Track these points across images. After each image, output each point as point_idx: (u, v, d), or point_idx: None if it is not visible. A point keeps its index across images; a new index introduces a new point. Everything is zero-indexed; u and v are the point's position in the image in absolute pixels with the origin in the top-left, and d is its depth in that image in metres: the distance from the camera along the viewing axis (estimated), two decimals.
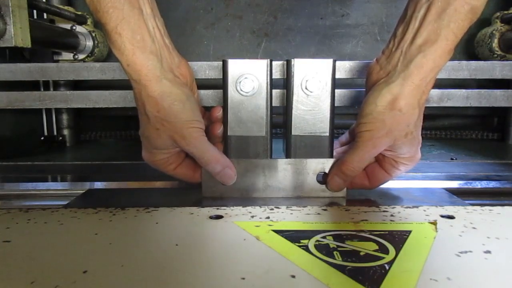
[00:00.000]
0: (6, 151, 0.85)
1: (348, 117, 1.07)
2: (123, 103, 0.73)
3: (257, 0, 1.08)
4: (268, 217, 0.44)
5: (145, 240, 0.39)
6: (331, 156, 0.55)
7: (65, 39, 0.92)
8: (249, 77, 0.53)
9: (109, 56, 1.04)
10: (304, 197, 0.55)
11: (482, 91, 0.69)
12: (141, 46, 0.47)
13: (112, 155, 0.92)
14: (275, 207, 0.47)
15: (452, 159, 0.83)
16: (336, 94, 0.56)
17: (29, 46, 0.70)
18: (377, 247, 0.37)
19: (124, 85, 0.70)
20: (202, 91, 0.63)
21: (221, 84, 0.55)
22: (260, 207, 0.48)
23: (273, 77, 0.55)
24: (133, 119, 1.22)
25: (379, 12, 1.07)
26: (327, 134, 0.54)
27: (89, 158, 0.86)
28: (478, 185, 0.64)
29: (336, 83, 0.54)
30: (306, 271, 0.32)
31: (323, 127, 0.54)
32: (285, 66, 0.55)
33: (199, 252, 0.36)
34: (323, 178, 0.55)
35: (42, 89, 0.99)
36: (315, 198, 0.55)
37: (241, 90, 0.53)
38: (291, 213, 0.46)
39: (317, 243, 0.38)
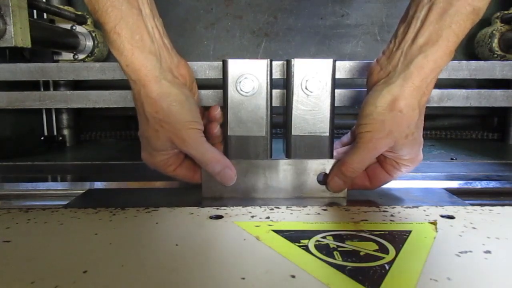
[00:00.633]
0: (6, 151, 0.85)
1: (348, 117, 1.07)
2: (123, 103, 0.73)
3: (257, 0, 1.08)
4: (268, 217, 0.44)
5: (145, 240, 0.39)
6: (331, 157, 0.55)
7: (65, 39, 0.92)
8: (249, 77, 0.53)
9: (109, 56, 1.04)
10: (305, 197, 0.55)
11: (482, 91, 0.69)
12: (140, 46, 0.46)
13: (112, 155, 0.92)
14: (275, 207, 0.47)
15: (452, 159, 0.83)
16: (336, 94, 0.56)
17: (29, 46, 0.70)
18: (377, 247, 0.37)
19: (124, 85, 0.69)
20: (202, 91, 0.63)
21: (221, 84, 0.55)
22: (260, 207, 0.48)
23: (273, 77, 0.55)
24: (133, 119, 1.22)
25: (379, 12, 1.07)
26: (327, 134, 0.54)
27: (89, 158, 0.86)
28: (478, 185, 0.64)
29: (336, 83, 0.54)
30: (306, 271, 0.32)
31: (323, 127, 0.54)
32: (285, 66, 0.55)
33: (199, 252, 0.36)
34: (324, 179, 0.55)
35: (42, 89, 0.99)
36: (316, 199, 0.55)
37: (241, 90, 0.53)
38: (291, 213, 0.46)
39: (317, 243, 0.38)
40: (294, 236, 0.39)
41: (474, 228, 0.41)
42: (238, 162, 0.55)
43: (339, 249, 0.36)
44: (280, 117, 0.59)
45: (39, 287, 0.30)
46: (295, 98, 0.54)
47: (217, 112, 0.55)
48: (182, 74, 0.52)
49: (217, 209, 0.47)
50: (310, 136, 0.54)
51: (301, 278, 0.31)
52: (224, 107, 0.55)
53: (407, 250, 0.36)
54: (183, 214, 0.45)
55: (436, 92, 0.69)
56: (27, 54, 0.90)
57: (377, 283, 0.31)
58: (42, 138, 1.01)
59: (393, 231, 0.41)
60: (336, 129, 0.57)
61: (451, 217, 0.44)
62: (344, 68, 0.65)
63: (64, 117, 1.05)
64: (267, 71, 0.53)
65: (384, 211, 0.46)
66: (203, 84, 0.62)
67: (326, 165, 0.55)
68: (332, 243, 0.38)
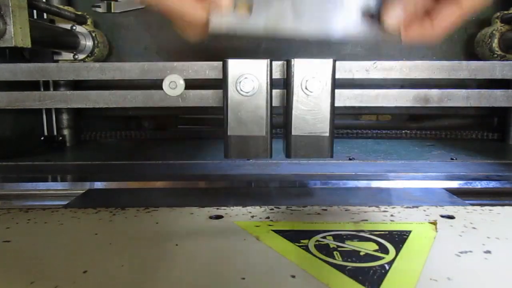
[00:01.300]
0: (6, 151, 0.85)
1: (348, 117, 1.07)
2: (123, 103, 0.73)
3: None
4: (268, 217, 0.44)
5: (145, 240, 0.39)
6: (331, 156, 0.55)
7: (65, 39, 0.92)
8: (249, 77, 0.53)
9: (109, 56, 1.04)
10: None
11: (482, 91, 0.69)
12: None
13: (112, 155, 0.92)
14: (275, 207, 0.47)
15: (452, 159, 0.83)
16: (336, 94, 0.56)
17: (29, 46, 0.70)
18: (377, 247, 0.37)
19: (124, 85, 0.70)
20: (202, 91, 0.63)
21: (221, 84, 0.55)
22: (260, 207, 0.48)
23: (273, 77, 0.55)
24: (133, 119, 1.22)
25: None
26: (327, 134, 0.54)
27: (89, 158, 0.86)
28: (478, 185, 0.64)
29: (336, 83, 0.54)
30: (306, 271, 0.32)
31: (323, 127, 0.54)
32: (285, 66, 0.55)
33: (199, 252, 0.36)
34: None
35: (42, 89, 0.99)
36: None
37: (241, 90, 0.53)
38: (291, 213, 0.46)
39: (317, 243, 0.38)
40: (294, 236, 0.39)
41: (474, 228, 0.41)
42: None
43: (339, 249, 0.36)
44: (280, 117, 0.59)
45: (39, 287, 0.30)
46: (295, 98, 0.54)
47: None
48: None
49: (217, 209, 0.47)
50: (310, 136, 0.54)
51: (301, 278, 0.31)
52: (224, 107, 0.55)
53: (407, 250, 0.36)
54: (183, 214, 0.45)
55: (436, 92, 0.69)
56: (27, 54, 0.90)
57: (377, 283, 0.31)
58: (42, 138, 1.00)
59: (393, 231, 0.41)
60: (336, 129, 0.57)
61: (451, 217, 0.44)
62: (344, 68, 0.64)
63: (64, 117, 1.05)
64: (267, 71, 0.53)
65: (384, 211, 0.46)
66: (203, 84, 0.62)
67: None
68: (332, 243, 0.38)
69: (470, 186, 0.64)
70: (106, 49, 1.01)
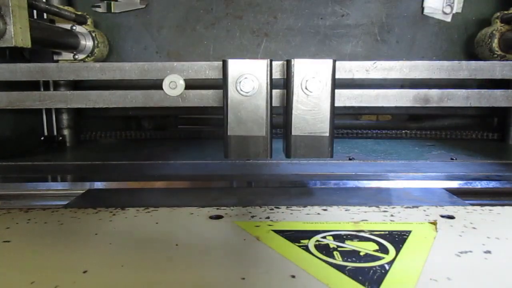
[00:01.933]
0: (6, 151, 0.85)
1: (348, 117, 1.07)
2: (123, 103, 0.73)
3: (257, 0, 1.08)
4: (268, 217, 0.44)
5: (145, 240, 0.39)
6: (331, 156, 0.55)
7: (65, 39, 0.92)
8: (249, 77, 0.53)
9: (109, 56, 1.04)
10: None
11: (482, 91, 0.69)
12: None
13: (112, 155, 0.92)
14: (275, 207, 0.47)
15: (452, 159, 0.83)
16: (336, 94, 0.56)
17: (29, 46, 0.70)
18: (377, 247, 0.37)
19: (124, 85, 0.70)
20: (202, 91, 0.63)
21: (221, 84, 0.55)
22: (260, 207, 0.48)
23: (273, 77, 0.55)
24: (133, 119, 1.22)
25: (379, 12, 1.07)
26: (327, 134, 0.54)
27: (89, 158, 0.86)
28: (478, 185, 0.64)
29: (336, 83, 0.54)
30: (306, 271, 0.32)
31: (323, 127, 0.54)
32: (285, 66, 0.55)
33: (199, 252, 0.36)
34: None
35: (42, 89, 0.99)
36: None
37: (241, 90, 0.53)
38: (291, 213, 0.46)
39: (317, 243, 0.38)
40: (294, 236, 0.39)
41: (474, 228, 0.41)
42: None
43: (339, 249, 0.36)
44: (280, 117, 0.59)
45: (39, 287, 0.30)
46: (295, 98, 0.54)
47: None
48: None
49: (217, 209, 0.47)
50: (310, 136, 0.54)
51: (301, 278, 0.31)
52: (224, 107, 0.55)
53: (407, 250, 0.36)
54: (183, 214, 0.45)
55: (436, 92, 0.69)
56: (27, 54, 0.90)
57: (377, 283, 0.31)
58: (42, 138, 1.00)
59: (393, 231, 0.41)
60: (336, 129, 0.57)
61: (451, 217, 0.44)
62: (344, 68, 0.65)
63: (64, 117, 1.05)
64: (267, 71, 0.53)
65: (384, 211, 0.46)
66: (203, 84, 0.62)
67: None
68: (332, 243, 0.38)
69: (470, 186, 0.64)
70: (106, 49, 1.01)
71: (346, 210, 0.47)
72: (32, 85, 0.93)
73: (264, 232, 0.40)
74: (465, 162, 0.80)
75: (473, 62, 0.67)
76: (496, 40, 0.95)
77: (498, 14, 0.97)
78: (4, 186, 0.65)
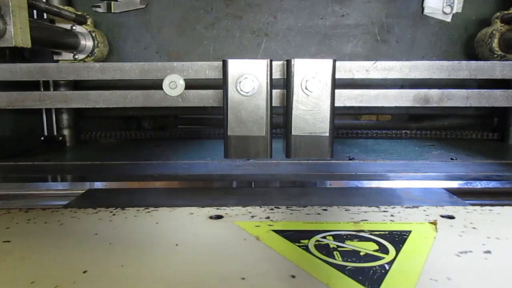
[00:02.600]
0: (6, 151, 0.85)
1: (348, 117, 1.07)
2: (123, 103, 0.73)
3: (257, 0, 1.08)
4: (268, 217, 0.44)
5: (145, 240, 0.39)
6: (331, 156, 0.55)
7: (65, 39, 0.92)
8: (249, 77, 0.53)
9: (109, 56, 1.04)
10: None
11: (482, 91, 0.69)
12: None
13: (112, 155, 0.92)
14: (275, 207, 0.47)
15: (452, 159, 0.83)
16: (336, 94, 0.56)
17: (29, 46, 0.70)
18: (377, 247, 0.37)
19: (124, 85, 0.70)
20: (202, 91, 0.63)
21: (221, 84, 0.55)
22: (260, 207, 0.48)
23: (273, 77, 0.55)
24: (133, 119, 1.22)
25: (379, 12, 1.07)
26: (327, 134, 0.54)
27: (89, 158, 0.86)
28: (478, 185, 0.64)
29: (336, 83, 0.54)
30: (306, 271, 0.32)
31: (323, 127, 0.54)
32: (285, 66, 0.55)
33: (199, 252, 0.36)
34: None
35: (42, 89, 0.99)
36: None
37: (241, 90, 0.53)
38: (291, 213, 0.46)
39: (317, 243, 0.38)
40: (294, 236, 0.39)
41: (474, 228, 0.41)
42: None
43: (339, 249, 0.36)
44: (280, 117, 0.59)
45: (39, 287, 0.30)
46: (295, 98, 0.54)
47: None
48: None
49: (217, 209, 0.47)
50: (310, 136, 0.54)
51: (301, 278, 0.31)
52: (224, 107, 0.55)
53: (407, 250, 0.36)
54: (183, 214, 0.45)
55: (436, 92, 0.69)
56: (27, 54, 0.90)
57: (377, 283, 0.31)
58: (42, 138, 1.00)
59: (393, 231, 0.41)
60: (336, 129, 0.57)
61: (451, 217, 0.44)
62: (344, 68, 0.65)
63: (64, 117, 1.05)
64: (267, 71, 0.53)
65: (384, 211, 0.46)
66: (203, 84, 0.62)
67: None
68: (332, 243, 0.38)
69: (470, 186, 0.64)
70: (106, 49, 1.01)
71: (346, 210, 0.47)
72: (32, 85, 0.93)
73: (264, 232, 0.40)
74: (465, 162, 0.80)
75: (473, 62, 0.67)
76: (496, 40, 0.95)
77: (498, 14, 0.97)
78: (4, 186, 0.65)
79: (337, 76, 0.54)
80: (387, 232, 0.40)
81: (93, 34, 0.97)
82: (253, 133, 0.55)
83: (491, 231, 0.41)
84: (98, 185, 0.64)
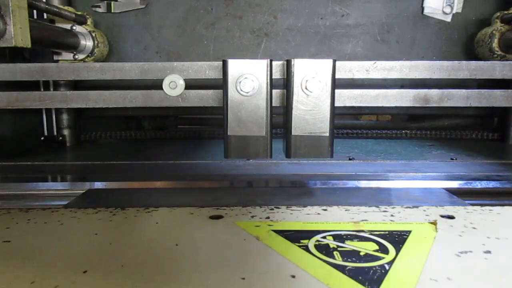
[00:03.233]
0: (6, 151, 0.85)
1: (348, 117, 1.07)
2: (123, 103, 0.73)
3: (257, 0, 1.08)
4: (268, 217, 0.44)
5: (145, 240, 0.39)
6: (331, 156, 0.55)
7: (65, 39, 0.92)
8: (249, 77, 0.53)
9: (109, 56, 1.04)
10: None
11: (482, 91, 0.69)
12: None
13: (112, 155, 0.92)
14: (275, 207, 0.47)
15: (452, 159, 0.83)
16: (336, 94, 0.56)
17: (29, 46, 0.70)
18: (377, 247, 0.37)
19: (124, 85, 0.70)
20: (202, 91, 0.63)
21: (221, 84, 0.55)
22: (260, 207, 0.48)
23: (273, 77, 0.55)
24: (133, 119, 1.22)
25: (379, 12, 1.07)
26: (327, 134, 0.54)
27: (89, 158, 0.86)
28: (478, 185, 0.64)
29: (336, 83, 0.54)
30: (306, 271, 0.32)
31: (323, 127, 0.54)
32: (285, 66, 0.55)
33: (199, 252, 0.36)
34: None
35: (42, 89, 0.99)
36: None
37: (241, 90, 0.53)
38: (291, 213, 0.46)
39: (317, 243, 0.38)
40: (294, 236, 0.39)
41: (474, 228, 0.41)
42: None
43: (339, 249, 0.36)
44: (280, 117, 0.59)
45: (39, 287, 0.30)
46: (295, 98, 0.54)
47: None
48: None
49: (217, 209, 0.47)
50: (310, 136, 0.54)
51: (301, 278, 0.31)
52: (224, 107, 0.55)
53: (407, 250, 0.36)
54: (183, 214, 0.45)
55: (436, 92, 0.69)
56: (27, 54, 0.90)
57: (377, 283, 0.31)
58: (42, 138, 1.00)
59: (393, 231, 0.41)
60: (336, 129, 0.57)
61: (451, 217, 0.44)
62: (344, 68, 0.65)
63: (64, 117, 1.05)
64: (267, 71, 0.53)
65: (384, 211, 0.46)
66: (203, 84, 0.62)
67: None
68: (332, 243, 0.38)
69: (470, 186, 0.64)
70: (106, 49, 1.01)
71: (346, 210, 0.47)
72: (32, 85, 0.93)
73: (264, 232, 0.40)
74: (465, 162, 0.80)
75: (473, 62, 0.67)
76: (496, 40, 0.95)
77: (498, 14, 0.97)
78: (4, 186, 0.65)
79: (337, 76, 0.54)
80: (387, 232, 0.40)
81: (93, 34, 0.97)
82: (253, 133, 0.55)
83: (491, 231, 0.41)
84: (98, 185, 0.64)
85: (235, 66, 0.53)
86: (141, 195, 0.61)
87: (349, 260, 0.34)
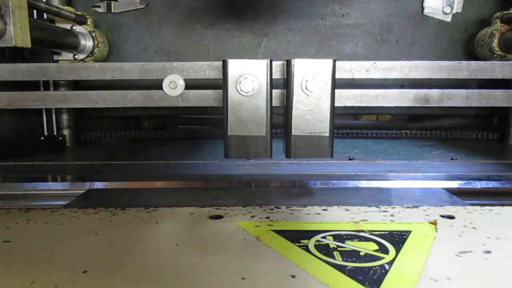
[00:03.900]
0: (6, 151, 0.85)
1: (348, 117, 1.07)
2: (123, 103, 0.73)
3: (257, 0, 1.08)
4: (268, 217, 0.44)
5: (145, 240, 0.39)
6: (331, 156, 0.55)
7: (65, 39, 0.92)
8: (249, 77, 0.53)
9: (109, 56, 1.04)
10: None
11: (482, 91, 0.69)
12: None
13: (112, 155, 0.92)
14: (275, 207, 0.47)
15: (452, 159, 0.83)
16: (336, 94, 0.56)
17: (29, 46, 0.70)
18: (377, 247, 0.37)
19: (124, 85, 0.70)
20: (202, 91, 0.63)
21: (221, 84, 0.55)
22: (260, 207, 0.48)
23: (273, 77, 0.55)
24: (133, 119, 1.22)
25: (379, 12, 1.07)
26: (327, 134, 0.54)
27: (89, 158, 0.86)
28: (478, 185, 0.64)
29: (336, 83, 0.54)
30: (306, 271, 0.32)
31: (323, 127, 0.54)
32: (285, 66, 0.55)
33: (199, 252, 0.36)
34: None
35: (42, 89, 0.99)
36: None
37: (241, 90, 0.53)
38: (291, 213, 0.46)
39: (317, 243, 0.38)
40: (294, 236, 0.39)
41: (474, 228, 0.41)
42: None
43: (339, 249, 0.36)
44: (280, 117, 0.59)
45: (39, 287, 0.30)
46: (295, 98, 0.54)
47: None
48: None
49: (217, 209, 0.47)
50: (310, 136, 0.54)
51: (301, 278, 0.31)
52: (224, 107, 0.55)
53: (407, 250, 0.36)
54: (183, 214, 0.45)
55: (436, 92, 0.69)
56: (27, 54, 0.90)
57: (377, 283, 0.31)
58: (42, 138, 1.00)
59: (393, 231, 0.41)
60: (336, 129, 0.57)
61: (451, 217, 0.44)
62: (344, 68, 0.64)
63: (64, 117, 1.05)
64: (267, 71, 0.53)
65: (384, 211, 0.46)
66: (203, 84, 0.62)
67: None
68: (332, 243, 0.38)
69: (470, 186, 0.64)
70: (106, 49, 1.01)
71: (346, 210, 0.47)
72: (32, 85, 0.93)
73: (264, 232, 0.40)
74: (465, 162, 0.80)
75: (473, 62, 0.67)
76: (496, 40, 0.95)
77: (498, 14, 0.97)
78: (4, 186, 0.65)
79: (337, 76, 0.54)
80: (387, 232, 0.40)
81: (93, 34, 0.97)
82: (253, 133, 0.55)
83: (491, 231, 0.41)
84: (98, 185, 0.64)
85: (235, 66, 0.53)
86: (141, 195, 0.61)
87: (349, 260, 0.34)
